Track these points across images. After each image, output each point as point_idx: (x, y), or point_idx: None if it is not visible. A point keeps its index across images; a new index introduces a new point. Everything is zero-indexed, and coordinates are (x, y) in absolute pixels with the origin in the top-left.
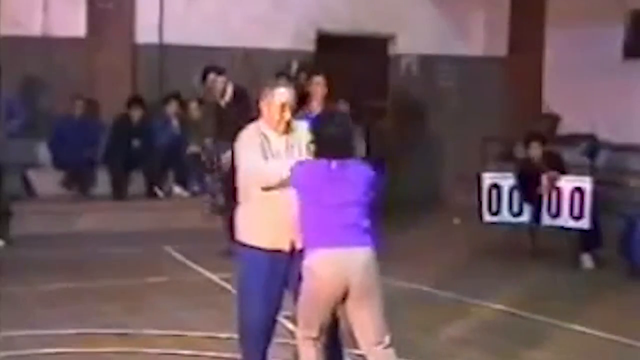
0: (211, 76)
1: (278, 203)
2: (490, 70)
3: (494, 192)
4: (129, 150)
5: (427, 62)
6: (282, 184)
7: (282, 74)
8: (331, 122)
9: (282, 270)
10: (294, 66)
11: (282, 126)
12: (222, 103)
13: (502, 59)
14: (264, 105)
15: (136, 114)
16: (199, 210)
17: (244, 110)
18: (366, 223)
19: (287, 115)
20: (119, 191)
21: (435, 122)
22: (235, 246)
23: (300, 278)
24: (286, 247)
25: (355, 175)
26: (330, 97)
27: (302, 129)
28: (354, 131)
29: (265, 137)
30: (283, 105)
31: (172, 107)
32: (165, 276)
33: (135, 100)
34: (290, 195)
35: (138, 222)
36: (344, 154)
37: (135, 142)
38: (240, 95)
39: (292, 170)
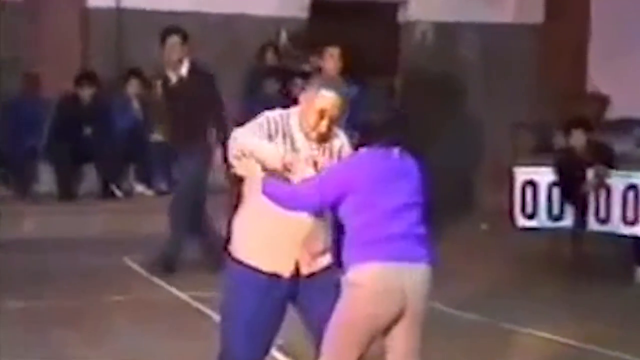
0: (172, 40)
1: (285, 213)
2: (523, 40)
3: (529, 190)
4: (78, 138)
5: (446, 30)
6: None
7: (268, 46)
8: (382, 105)
9: (280, 299)
10: (283, 36)
11: (314, 135)
12: (173, 78)
13: (537, 27)
14: (303, 99)
15: (87, 93)
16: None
17: (206, 97)
18: (424, 230)
19: (324, 125)
20: (66, 190)
21: (455, 105)
22: (224, 259)
23: (320, 304)
24: (286, 273)
25: (412, 169)
26: (346, 73)
27: (340, 140)
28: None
29: (291, 131)
30: (322, 112)
31: (132, 87)
32: (127, 294)
33: (85, 77)
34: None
35: (91, 227)
36: (402, 141)
37: (87, 129)
38: (199, 75)
39: (336, 164)
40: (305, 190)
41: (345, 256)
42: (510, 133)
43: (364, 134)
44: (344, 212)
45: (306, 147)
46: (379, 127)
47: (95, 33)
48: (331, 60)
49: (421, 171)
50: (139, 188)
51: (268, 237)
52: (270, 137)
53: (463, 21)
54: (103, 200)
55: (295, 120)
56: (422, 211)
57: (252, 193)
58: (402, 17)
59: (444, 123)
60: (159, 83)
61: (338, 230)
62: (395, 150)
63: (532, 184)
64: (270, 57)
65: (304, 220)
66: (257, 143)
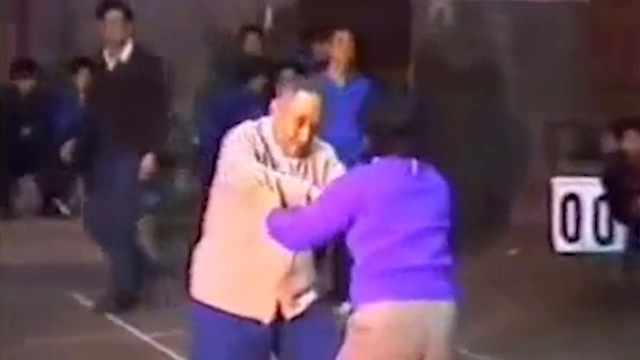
0: (112, 15)
1: (261, 243)
2: (563, 21)
3: (571, 206)
4: (13, 140)
5: (468, 9)
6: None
7: (250, 30)
8: (399, 103)
9: (259, 351)
10: (268, 16)
11: (294, 148)
12: (110, 64)
13: (582, 4)
14: (277, 107)
15: (25, 85)
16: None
17: (150, 88)
18: (449, 261)
19: (305, 135)
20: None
21: (480, 99)
22: (188, 302)
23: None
24: (265, 318)
25: (438, 186)
26: (358, 61)
27: (326, 153)
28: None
29: (267, 147)
30: (302, 119)
31: (82, 78)
32: (77, 336)
33: (23, 65)
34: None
35: (30, 252)
36: (422, 151)
37: (24, 129)
38: (144, 61)
39: (338, 179)
40: (309, 220)
41: (353, 292)
42: (547, 135)
43: (375, 140)
44: (351, 239)
45: (285, 165)
46: (395, 132)
47: (35, 9)
48: (340, 47)
49: (450, 189)
50: None
51: (241, 275)
52: (261, 158)
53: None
54: (44, 219)
55: (269, 131)
56: (448, 237)
57: (220, 220)
58: None
59: (465, 124)
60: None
61: (344, 260)
62: (415, 162)
63: (574, 198)
64: (252, 44)
65: (284, 252)
66: (282, 177)
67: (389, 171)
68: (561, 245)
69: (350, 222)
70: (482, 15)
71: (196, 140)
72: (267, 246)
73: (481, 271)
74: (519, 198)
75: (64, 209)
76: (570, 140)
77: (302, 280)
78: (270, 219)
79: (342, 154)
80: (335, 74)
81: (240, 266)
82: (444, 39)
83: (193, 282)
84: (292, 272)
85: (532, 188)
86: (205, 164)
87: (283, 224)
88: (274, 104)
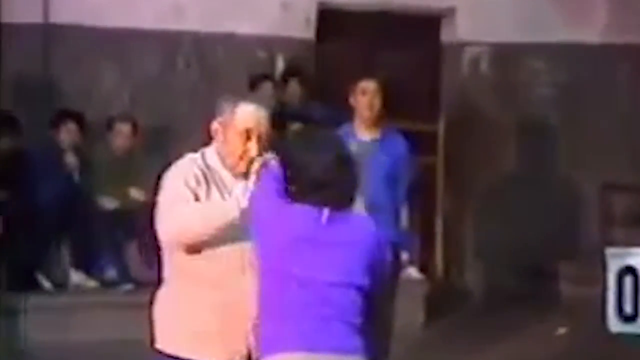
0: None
1: (225, 282)
2: (617, 68)
3: (628, 281)
4: None
5: (507, 55)
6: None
7: (262, 78)
8: (319, 145)
9: None
10: (280, 65)
11: (243, 165)
12: None
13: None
14: (218, 127)
15: (4, 145)
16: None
17: None
18: (361, 320)
19: (253, 148)
20: None
21: (523, 158)
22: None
23: None
24: None
25: (354, 241)
26: (387, 115)
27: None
28: (356, 165)
29: (220, 178)
30: (247, 132)
31: (67, 134)
32: None
33: (3, 122)
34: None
35: (8, 334)
36: (342, 200)
37: (1, 193)
38: None
39: (252, 202)
40: None
41: (260, 332)
42: (600, 198)
43: (295, 187)
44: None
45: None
46: (312, 183)
47: (15, 57)
48: (364, 99)
49: (380, 246)
50: (76, 277)
51: (209, 321)
52: (196, 196)
53: (532, 42)
54: (24, 295)
55: (215, 159)
56: (366, 298)
57: (177, 256)
58: (447, 36)
59: (506, 185)
60: (124, 129)
61: None
62: (326, 211)
63: (631, 271)
64: (266, 96)
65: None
66: (238, 192)
67: (296, 216)
68: (616, 324)
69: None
70: (523, 62)
71: None
72: (240, 284)
73: (526, 352)
74: (571, 269)
75: (46, 284)
76: (627, 204)
77: None
78: None
79: (375, 215)
80: (360, 128)
81: (209, 310)
82: (480, 88)
83: (156, 331)
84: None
85: (585, 258)
86: None
87: None
88: (214, 126)
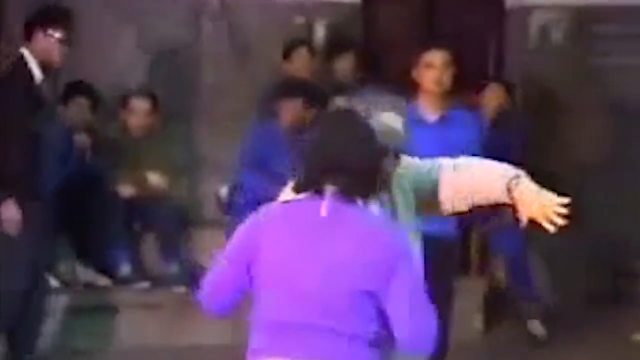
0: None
1: None
2: None
3: None
4: None
5: (582, 22)
6: None
7: (299, 43)
8: (328, 122)
9: None
10: (320, 33)
11: None
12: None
13: None
14: None
15: None
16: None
17: None
18: (364, 328)
19: None
20: None
21: (600, 148)
22: None
23: None
24: None
25: (363, 236)
26: (460, 88)
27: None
28: (380, 152)
29: None
30: None
31: (76, 111)
32: None
33: None
34: None
35: None
36: (350, 189)
37: None
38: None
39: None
40: (212, 278)
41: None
42: None
43: (301, 175)
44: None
45: None
46: (322, 168)
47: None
48: (430, 74)
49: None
50: (87, 275)
51: None
52: None
53: (611, 4)
54: None
55: None
56: (374, 302)
57: None
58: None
59: (583, 175)
60: (141, 106)
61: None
62: (326, 202)
63: None
64: (302, 64)
65: None
66: None
67: (291, 211)
68: None
69: (248, 271)
70: (601, 30)
71: (223, 191)
72: None
73: (601, 358)
74: None
75: (53, 282)
76: None
77: None
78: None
79: None
80: (425, 104)
81: None
82: (550, 60)
83: None
84: None
85: None
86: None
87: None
88: None
